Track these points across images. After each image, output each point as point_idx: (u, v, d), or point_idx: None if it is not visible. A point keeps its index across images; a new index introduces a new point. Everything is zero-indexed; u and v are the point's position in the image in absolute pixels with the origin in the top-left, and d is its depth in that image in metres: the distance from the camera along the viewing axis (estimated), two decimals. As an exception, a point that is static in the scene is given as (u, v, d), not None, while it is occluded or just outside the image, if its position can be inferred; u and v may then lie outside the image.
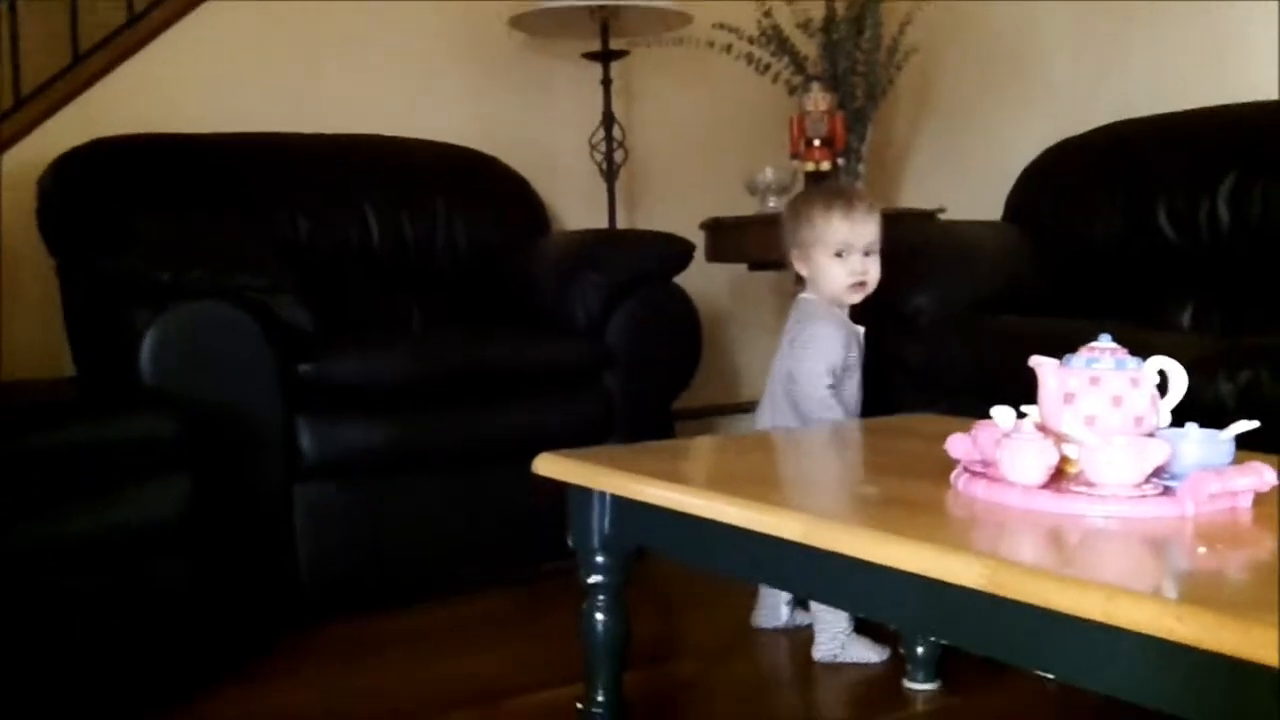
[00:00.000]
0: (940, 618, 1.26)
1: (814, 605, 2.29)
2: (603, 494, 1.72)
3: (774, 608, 2.45)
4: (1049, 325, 2.52)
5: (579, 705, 1.83)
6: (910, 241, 2.80)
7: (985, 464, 1.49)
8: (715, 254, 3.61)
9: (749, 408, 2.51)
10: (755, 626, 2.47)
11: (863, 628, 2.29)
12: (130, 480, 2.07)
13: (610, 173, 3.72)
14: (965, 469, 1.50)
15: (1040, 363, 1.47)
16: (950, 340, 2.68)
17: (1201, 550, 1.21)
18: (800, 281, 2.45)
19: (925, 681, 2.16)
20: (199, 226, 2.84)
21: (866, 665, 2.26)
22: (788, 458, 1.97)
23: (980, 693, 2.15)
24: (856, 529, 1.31)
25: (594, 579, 1.78)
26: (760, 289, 4.14)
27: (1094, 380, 1.43)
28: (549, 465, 1.75)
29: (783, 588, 2.14)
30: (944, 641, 1.26)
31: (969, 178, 3.86)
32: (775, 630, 2.45)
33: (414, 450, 2.67)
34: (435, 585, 2.74)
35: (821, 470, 1.90)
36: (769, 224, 3.02)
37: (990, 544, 1.28)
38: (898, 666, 2.20)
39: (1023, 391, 1.51)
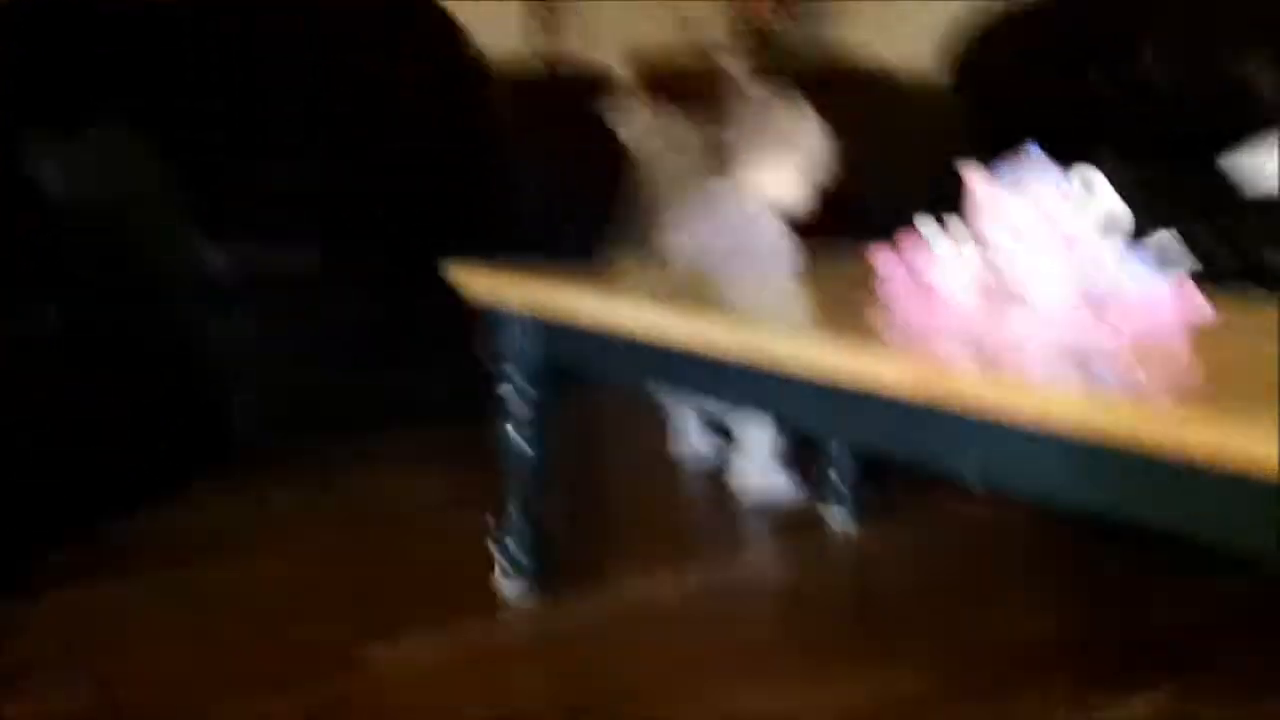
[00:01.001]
0: (869, 426, 1.24)
1: (740, 435, 2.28)
2: (522, 309, 1.67)
3: (688, 437, 2.44)
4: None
5: (495, 525, 1.81)
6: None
7: (912, 276, 1.47)
8: (644, 94, 3.51)
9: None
10: (673, 458, 2.46)
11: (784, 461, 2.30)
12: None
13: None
14: (893, 283, 1.48)
15: (969, 172, 1.44)
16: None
17: (1133, 356, 1.20)
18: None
19: (844, 514, 2.17)
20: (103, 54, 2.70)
21: (785, 497, 2.27)
22: (714, 277, 1.93)
23: (899, 524, 2.17)
24: (786, 338, 1.29)
25: (513, 400, 1.74)
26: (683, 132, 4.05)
27: (1023, 191, 1.41)
28: (464, 278, 1.69)
29: (710, 401, 2.08)
30: (873, 450, 1.24)
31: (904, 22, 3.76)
32: (694, 461, 2.45)
33: (331, 275, 2.54)
34: (368, 418, 2.66)
35: (748, 288, 1.85)
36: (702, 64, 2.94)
37: (920, 350, 1.26)
38: (817, 500, 2.21)
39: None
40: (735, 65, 3.26)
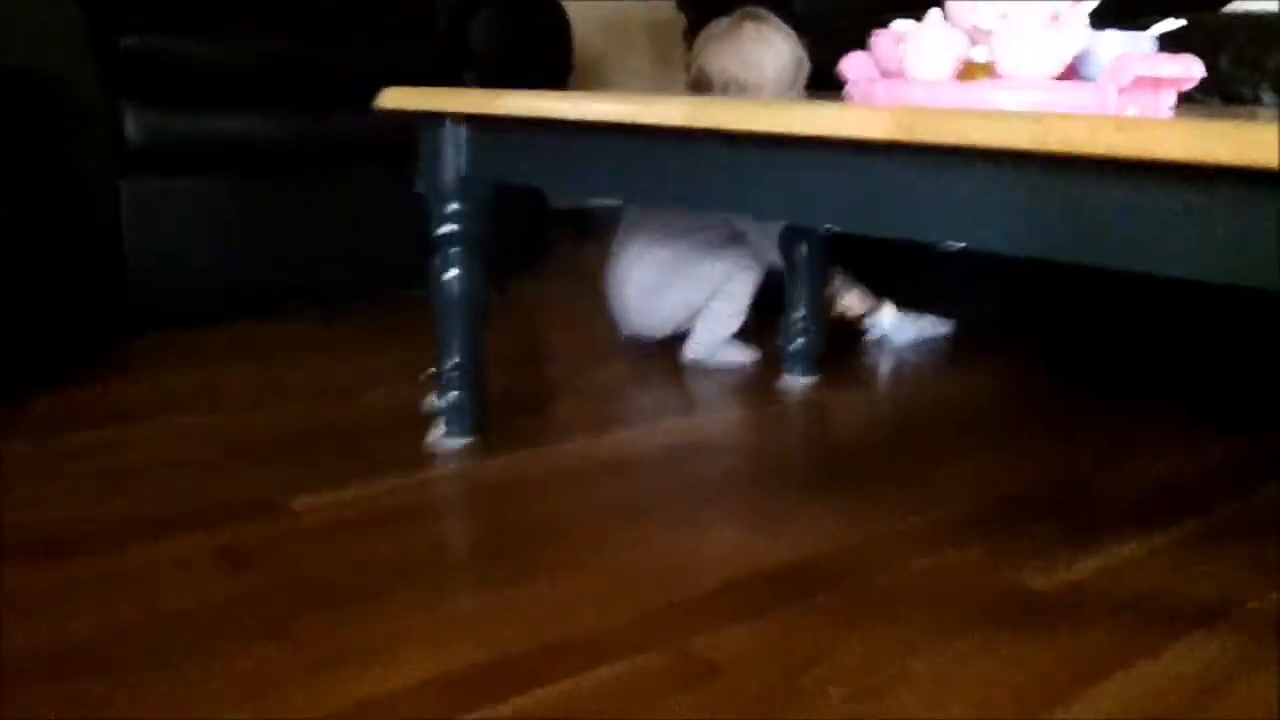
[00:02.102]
0: (841, 198, 1.12)
1: (712, 303, 2.16)
2: (457, 127, 1.53)
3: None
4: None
5: (432, 370, 1.67)
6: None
7: (885, 67, 1.34)
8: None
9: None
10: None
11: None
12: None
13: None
14: (865, 76, 1.35)
15: (951, -45, 1.31)
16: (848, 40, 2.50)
17: (1132, 111, 1.08)
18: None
19: (802, 375, 2.07)
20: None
21: (739, 366, 2.16)
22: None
23: (856, 385, 2.08)
24: (745, 106, 1.16)
25: (448, 228, 1.59)
26: (635, 29, 3.92)
27: (1010, -30, 1.28)
28: (397, 97, 1.54)
29: (662, 202, 1.90)
30: (847, 229, 1.11)
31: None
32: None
33: (252, 145, 2.40)
34: (280, 301, 2.52)
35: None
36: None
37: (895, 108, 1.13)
38: (774, 366, 2.10)
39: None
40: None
